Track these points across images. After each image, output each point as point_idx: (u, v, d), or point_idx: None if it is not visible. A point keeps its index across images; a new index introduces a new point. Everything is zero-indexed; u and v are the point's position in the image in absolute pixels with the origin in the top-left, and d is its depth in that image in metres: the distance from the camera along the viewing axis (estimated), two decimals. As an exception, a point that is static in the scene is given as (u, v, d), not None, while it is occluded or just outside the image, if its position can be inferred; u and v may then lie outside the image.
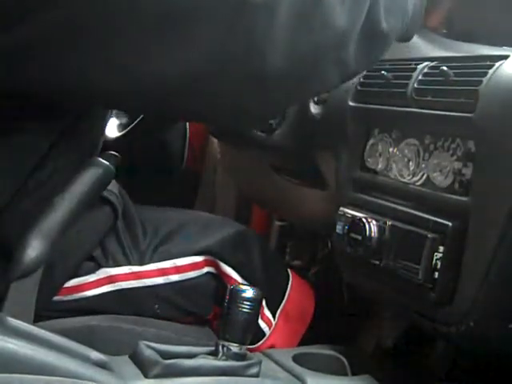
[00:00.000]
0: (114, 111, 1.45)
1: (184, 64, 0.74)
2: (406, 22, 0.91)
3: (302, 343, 1.16)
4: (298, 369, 0.99)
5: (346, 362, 1.06)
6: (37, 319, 0.94)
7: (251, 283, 1.01)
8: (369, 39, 0.84)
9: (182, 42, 0.73)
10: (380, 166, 1.04)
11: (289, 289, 1.18)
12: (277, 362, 1.01)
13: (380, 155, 1.04)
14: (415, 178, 0.98)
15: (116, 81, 0.76)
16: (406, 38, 0.98)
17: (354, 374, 1.04)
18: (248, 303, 0.91)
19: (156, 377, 0.84)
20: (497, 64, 0.87)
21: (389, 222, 0.96)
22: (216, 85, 0.78)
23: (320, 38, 0.79)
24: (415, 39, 1.07)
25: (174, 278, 1.09)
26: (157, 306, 1.08)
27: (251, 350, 1.00)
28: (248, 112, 0.85)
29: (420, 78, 0.96)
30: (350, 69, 0.86)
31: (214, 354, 0.91)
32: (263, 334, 1.13)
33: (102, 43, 0.72)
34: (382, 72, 1.01)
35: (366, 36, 0.83)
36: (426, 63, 0.98)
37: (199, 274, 1.10)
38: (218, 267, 1.11)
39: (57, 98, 0.82)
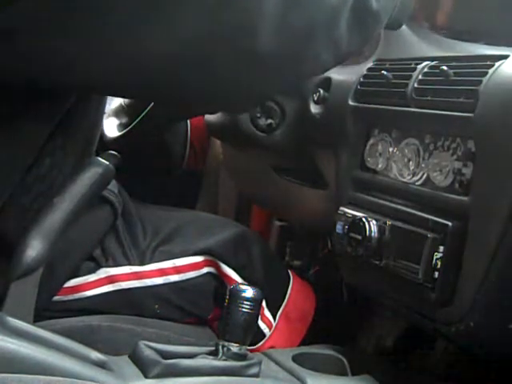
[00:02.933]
0: (113, 111, 1.45)
1: (174, 43, 0.74)
2: (396, 3, 0.91)
3: (302, 343, 1.16)
4: (297, 369, 0.98)
5: (345, 362, 1.06)
6: (37, 319, 0.94)
7: (251, 284, 1.01)
8: (359, 17, 0.84)
9: (172, 19, 0.72)
10: (380, 166, 1.04)
11: (289, 290, 1.18)
12: (277, 362, 1.00)
13: (380, 155, 1.04)
14: (415, 178, 0.98)
15: (106, 63, 0.75)
16: (395, 24, 0.97)
17: (353, 374, 1.04)
18: (248, 303, 0.91)
19: (156, 377, 0.84)
20: (497, 64, 0.87)
21: (389, 222, 0.96)
22: (210, 63, 0.77)
23: (311, 14, 0.79)
24: (415, 39, 1.07)
25: (174, 278, 1.08)
26: (157, 306, 1.08)
27: (251, 351, 1.00)
28: (244, 92, 0.84)
29: (420, 77, 0.96)
30: (343, 48, 0.85)
31: (214, 354, 0.91)
32: (263, 335, 1.13)
33: (91, 25, 0.72)
34: (382, 72, 1.01)
35: (356, 14, 0.83)
36: (425, 63, 0.98)
37: (199, 274, 1.10)
38: (218, 268, 1.11)
39: (47, 84, 0.81)
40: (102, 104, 1.03)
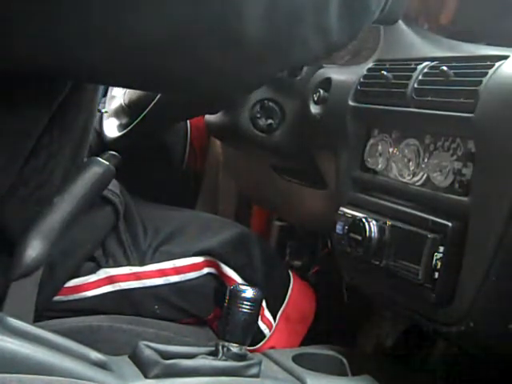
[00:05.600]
0: (113, 111, 1.45)
1: (161, 28, 0.74)
2: None
3: (302, 343, 1.16)
4: (297, 369, 0.98)
5: (345, 362, 1.06)
6: (37, 319, 0.94)
7: (252, 284, 1.01)
8: (350, 7, 0.83)
9: (159, 4, 0.72)
10: (380, 166, 1.04)
11: (290, 291, 1.18)
12: (277, 363, 1.00)
13: (380, 155, 1.04)
14: (415, 178, 0.98)
15: (93, 49, 0.74)
16: (390, 19, 0.96)
17: (353, 374, 1.04)
18: (248, 303, 0.91)
19: (156, 377, 0.84)
20: (497, 64, 0.87)
21: (389, 222, 0.96)
22: (197, 49, 0.77)
23: None
24: (415, 39, 1.07)
25: (174, 278, 1.08)
26: (156, 307, 1.08)
27: (251, 352, 1.00)
28: (232, 79, 0.83)
29: (420, 78, 0.96)
30: (332, 37, 0.83)
31: (214, 354, 0.91)
32: (263, 335, 1.13)
33: (77, 11, 0.71)
34: (382, 72, 1.01)
35: (347, 3, 0.82)
36: (425, 63, 0.98)
37: (199, 274, 1.10)
38: (218, 268, 1.11)
39: (44, 72, 0.81)
40: (96, 95, 1.02)
